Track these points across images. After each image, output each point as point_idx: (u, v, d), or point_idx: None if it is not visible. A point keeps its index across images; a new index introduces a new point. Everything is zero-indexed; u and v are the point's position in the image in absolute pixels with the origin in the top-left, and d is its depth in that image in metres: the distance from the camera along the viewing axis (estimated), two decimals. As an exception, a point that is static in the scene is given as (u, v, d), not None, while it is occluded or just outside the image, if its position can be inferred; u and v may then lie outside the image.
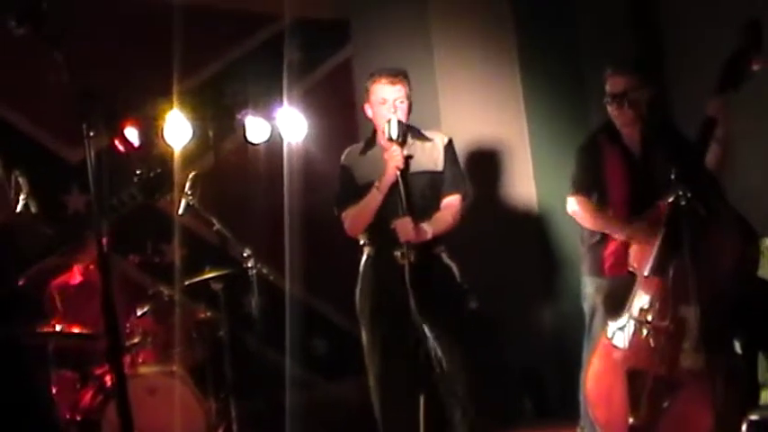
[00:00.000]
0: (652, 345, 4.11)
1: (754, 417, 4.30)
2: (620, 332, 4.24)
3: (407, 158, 4.37)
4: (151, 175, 3.45)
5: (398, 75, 4.49)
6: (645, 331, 4.15)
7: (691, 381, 3.97)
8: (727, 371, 3.93)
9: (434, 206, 4.46)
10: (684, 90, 5.77)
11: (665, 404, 4.01)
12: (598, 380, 4.33)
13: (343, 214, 4.55)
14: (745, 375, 4.21)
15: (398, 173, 4.29)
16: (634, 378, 4.09)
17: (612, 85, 4.62)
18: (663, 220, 4.11)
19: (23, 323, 4.61)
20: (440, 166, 4.51)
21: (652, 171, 4.48)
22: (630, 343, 4.19)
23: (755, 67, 3.94)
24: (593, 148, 4.70)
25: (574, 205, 4.69)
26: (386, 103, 4.43)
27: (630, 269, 4.33)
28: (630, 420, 4.05)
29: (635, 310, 4.21)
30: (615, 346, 4.25)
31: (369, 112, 4.55)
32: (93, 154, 2.69)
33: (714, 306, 3.95)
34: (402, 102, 4.45)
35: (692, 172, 4.00)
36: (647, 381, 4.05)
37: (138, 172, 3.70)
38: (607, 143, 4.66)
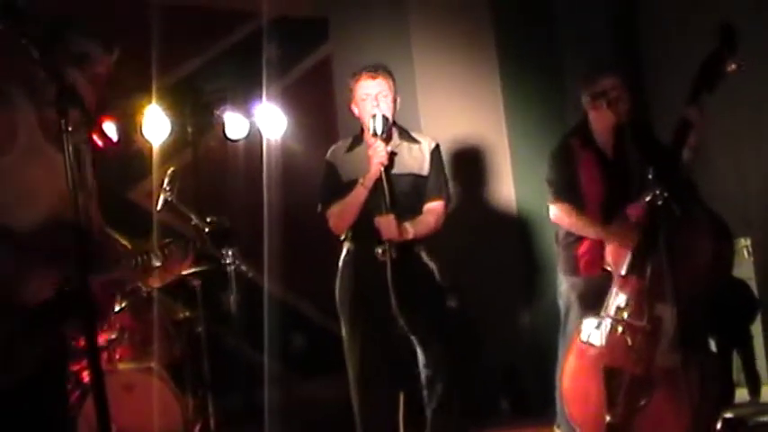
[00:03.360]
0: (629, 343, 4.13)
1: (728, 415, 4.34)
2: (596, 331, 4.26)
3: (392, 155, 4.37)
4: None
5: (378, 69, 4.50)
6: (621, 330, 4.17)
7: (667, 379, 3.99)
8: (702, 369, 3.95)
9: (416, 208, 4.45)
10: (662, 92, 5.81)
11: (642, 402, 4.03)
12: (574, 378, 4.35)
13: (328, 211, 4.54)
14: (720, 374, 4.24)
15: (382, 169, 4.28)
16: (611, 376, 4.11)
17: (597, 85, 4.61)
18: (640, 221, 4.14)
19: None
20: (425, 171, 4.51)
21: (625, 173, 4.51)
22: (607, 341, 4.21)
23: (730, 69, 3.98)
24: (566, 151, 4.71)
25: (557, 213, 4.69)
26: (368, 98, 4.43)
27: (607, 268, 4.36)
28: (607, 418, 4.07)
29: (611, 309, 4.23)
30: (591, 345, 4.26)
31: (355, 110, 4.55)
32: (70, 149, 2.68)
33: (690, 305, 3.98)
34: (385, 96, 4.44)
35: (668, 172, 4.03)
36: (623, 379, 4.07)
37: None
38: (580, 146, 4.67)
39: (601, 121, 4.64)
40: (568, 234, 4.69)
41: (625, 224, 4.32)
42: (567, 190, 4.65)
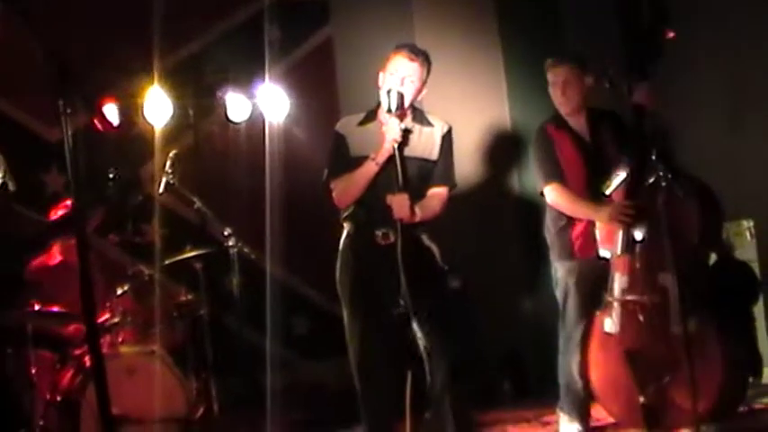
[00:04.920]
0: (642, 321, 4.13)
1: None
2: (608, 319, 4.25)
3: (406, 132, 4.33)
4: (118, 177, 3.39)
5: (420, 54, 4.43)
6: (631, 310, 4.17)
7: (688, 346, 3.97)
8: (720, 328, 3.97)
9: (419, 193, 4.42)
10: (677, 84, 5.79)
11: (671, 375, 4.02)
12: (601, 371, 4.35)
13: (333, 183, 4.49)
14: (739, 331, 4.24)
15: (396, 147, 4.24)
16: (634, 359, 4.11)
17: (553, 74, 4.75)
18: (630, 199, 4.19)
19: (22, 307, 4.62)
20: (433, 156, 4.46)
21: (602, 153, 4.57)
22: (621, 326, 4.21)
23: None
24: (542, 136, 4.79)
25: (553, 195, 4.71)
26: (395, 75, 4.37)
27: (602, 251, 4.37)
28: (641, 399, 4.07)
29: (617, 292, 4.24)
30: (608, 334, 4.26)
31: (381, 80, 4.49)
32: (70, 132, 2.66)
33: (690, 270, 4.00)
34: (412, 81, 4.39)
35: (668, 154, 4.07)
36: (647, 357, 4.07)
37: (110, 175, 3.62)
38: (556, 131, 4.76)
39: (566, 108, 4.75)
40: (559, 219, 4.71)
41: (618, 202, 4.35)
42: (555, 171, 4.69)
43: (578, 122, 4.74)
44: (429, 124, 4.49)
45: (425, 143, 4.45)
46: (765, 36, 5.27)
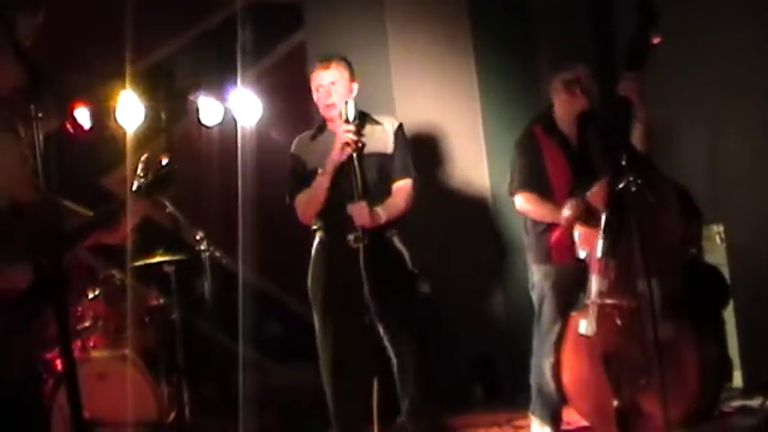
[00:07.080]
0: (619, 324, 4.14)
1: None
2: (584, 321, 4.26)
3: (362, 145, 4.36)
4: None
5: (331, 58, 4.52)
6: (609, 313, 4.18)
7: (664, 352, 3.99)
8: (696, 335, 4.00)
9: (383, 189, 4.46)
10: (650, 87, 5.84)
11: (645, 380, 4.04)
12: (573, 372, 4.34)
13: (295, 202, 4.54)
14: (715, 339, 4.27)
15: (354, 156, 4.28)
16: (610, 362, 4.13)
17: (572, 72, 4.70)
18: (607, 204, 4.19)
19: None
20: (389, 149, 4.51)
21: (589, 157, 4.57)
22: (598, 329, 4.22)
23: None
24: (530, 139, 4.78)
25: (522, 202, 4.74)
26: (321, 89, 4.46)
27: (581, 255, 4.38)
28: (615, 403, 4.08)
29: (594, 295, 4.24)
30: (583, 336, 4.26)
31: (316, 100, 4.56)
32: (42, 136, 2.65)
33: (669, 275, 4.02)
34: (336, 84, 4.45)
35: (640, 158, 4.08)
36: (623, 361, 4.09)
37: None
38: (543, 133, 4.75)
39: (568, 108, 4.72)
40: (538, 223, 4.73)
41: (573, 199, 4.39)
42: (531, 179, 4.71)
43: (569, 125, 4.72)
44: (378, 123, 4.55)
45: (379, 139, 4.51)
46: (739, 39, 5.31)
